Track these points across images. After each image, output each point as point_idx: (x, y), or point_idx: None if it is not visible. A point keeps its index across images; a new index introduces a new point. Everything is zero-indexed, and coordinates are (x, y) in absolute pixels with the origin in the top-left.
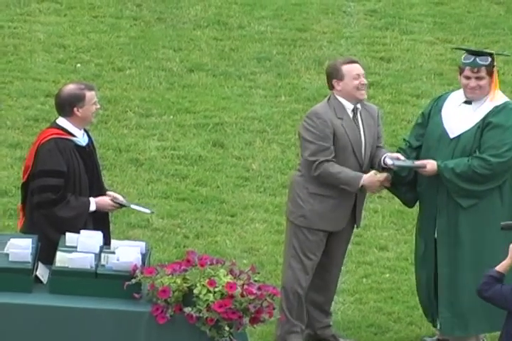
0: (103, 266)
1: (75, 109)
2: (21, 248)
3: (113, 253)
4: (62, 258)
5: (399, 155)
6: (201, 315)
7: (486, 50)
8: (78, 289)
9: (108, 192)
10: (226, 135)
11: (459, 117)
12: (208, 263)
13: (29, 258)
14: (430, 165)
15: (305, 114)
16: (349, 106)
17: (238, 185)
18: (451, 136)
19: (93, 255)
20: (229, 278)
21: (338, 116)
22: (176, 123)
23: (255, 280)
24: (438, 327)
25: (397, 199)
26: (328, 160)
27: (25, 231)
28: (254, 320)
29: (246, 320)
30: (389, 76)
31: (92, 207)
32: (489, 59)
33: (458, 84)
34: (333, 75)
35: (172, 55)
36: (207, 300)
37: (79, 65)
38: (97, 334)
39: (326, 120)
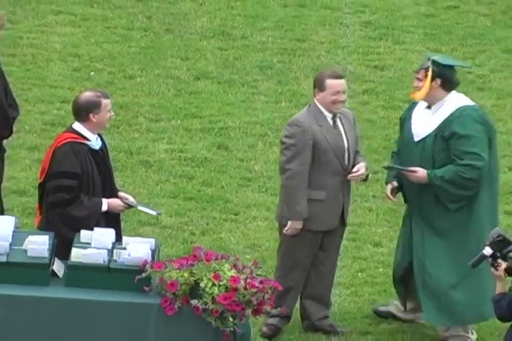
0: (115, 261)
1: (91, 115)
2: (39, 244)
3: (125, 249)
4: (77, 254)
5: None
6: (207, 306)
7: (430, 56)
8: (92, 283)
9: (119, 193)
10: (230, 138)
11: (421, 122)
12: (214, 258)
13: (46, 254)
14: (421, 171)
15: (286, 123)
16: (328, 114)
17: (241, 185)
18: (416, 139)
19: (106, 251)
20: (233, 273)
21: (318, 123)
22: (183, 128)
23: (257, 275)
24: (423, 316)
25: None
26: (300, 174)
27: (42, 228)
28: (257, 312)
29: (249, 311)
30: (382, 83)
31: (104, 207)
32: (428, 63)
33: None
34: (316, 84)
35: (180, 64)
36: (212, 292)
37: (92, 73)
38: (109, 325)
39: (306, 128)
